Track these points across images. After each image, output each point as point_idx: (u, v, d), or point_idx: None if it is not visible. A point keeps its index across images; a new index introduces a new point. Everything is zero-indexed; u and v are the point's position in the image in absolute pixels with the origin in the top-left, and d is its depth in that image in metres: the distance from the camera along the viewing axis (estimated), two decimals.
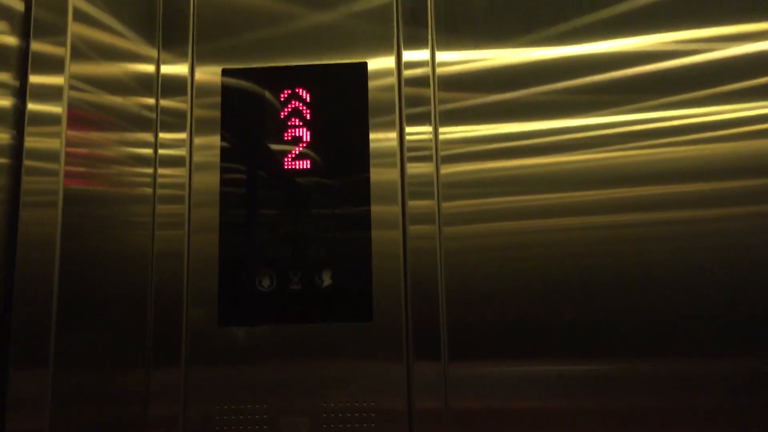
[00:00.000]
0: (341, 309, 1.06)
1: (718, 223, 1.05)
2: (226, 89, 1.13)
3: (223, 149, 1.11)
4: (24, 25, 0.90)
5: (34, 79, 0.89)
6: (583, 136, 1.08)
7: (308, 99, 1.12)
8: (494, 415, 1.02)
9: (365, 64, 1.12)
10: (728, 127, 1.06)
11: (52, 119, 0.88)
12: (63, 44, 0.90)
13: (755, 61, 1.08)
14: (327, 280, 1.07)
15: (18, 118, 0.88)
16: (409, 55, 1.12)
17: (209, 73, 1.13)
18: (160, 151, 1.12)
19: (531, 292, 1.04)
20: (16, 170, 0.86)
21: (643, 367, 1.02)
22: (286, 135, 1.11)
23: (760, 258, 1.02)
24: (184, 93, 1.13)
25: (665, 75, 1.09)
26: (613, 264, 1.04)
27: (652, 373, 1.02)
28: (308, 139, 1.10)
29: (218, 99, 1.13)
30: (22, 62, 0.89)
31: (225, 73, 1.13)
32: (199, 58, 1.14)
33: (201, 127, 1.12)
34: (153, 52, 1.14)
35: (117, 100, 1.04)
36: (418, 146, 1.09)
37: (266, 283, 1.07)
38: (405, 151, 1.09)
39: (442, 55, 1.12)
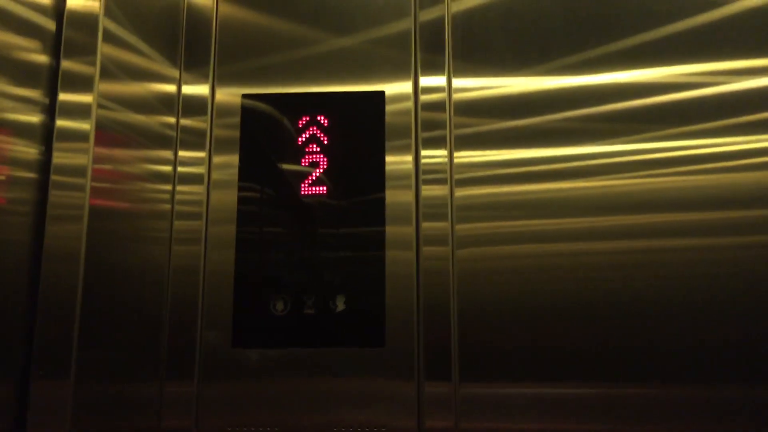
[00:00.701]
0: (354, 335, 1.06)
1: (734, 251, 1.05)
2: (245, 111, 1.15)
3: (241, 169, 1.13)
4: (55, 45, 0.92)
5: (64, 96, 0.91)
6: (598, 163, 1.09)
7: (326, 124, 1.13)
8: None
9: (383, 92, 1.13)
10: (744, 157, 1.08)
11: (80, 136, 0.90)
12: (93, 63, 0.92)
13: None
14: (341, 305, 1.07)
15: (47, 134, 0.90)
16: (426, 81, 1.14)
17: (229, 95, 1.15)
18: (180, 169, 1.13)
19: (542, 314, 1.05)
20: (43, 185, 0.88)
21: (655, 392, 1.02)
22: (303, 158, 1.13)
23: None
24: (204, 113, 1.15)
25: (681, 106, 1.10)
26: (625, 289, 1.05)
27: (663, 398, 1.02)
28: (325, 163, 1.12)
29: (237, 119, 1.14)
30: (52, 80, 0.91)
31: (245, 96, 1.15)
32: (220, 79, 1.16)
33: (220, 146, 1.14)
34: (175, 73, 1.16)
35: (140, 118, 1.06)
36: (434, 169, 1.11)
37: (280, 306, 1.07)
38: (420, 173, 1.11)
39: (458, 82, 1.14)
